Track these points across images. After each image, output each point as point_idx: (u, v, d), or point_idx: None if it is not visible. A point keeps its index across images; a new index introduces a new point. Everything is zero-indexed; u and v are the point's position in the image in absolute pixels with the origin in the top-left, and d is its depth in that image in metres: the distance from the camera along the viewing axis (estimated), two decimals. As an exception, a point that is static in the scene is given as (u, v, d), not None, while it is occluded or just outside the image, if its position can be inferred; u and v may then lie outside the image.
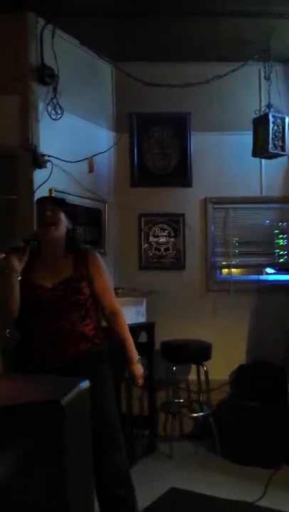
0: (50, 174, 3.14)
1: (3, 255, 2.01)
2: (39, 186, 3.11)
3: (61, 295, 2.12)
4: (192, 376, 3.86)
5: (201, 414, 3.65)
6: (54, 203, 2.23)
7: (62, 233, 2.19)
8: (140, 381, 2.29)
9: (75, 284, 2.14)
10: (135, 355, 2.28)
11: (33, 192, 3.08)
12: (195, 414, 3.75)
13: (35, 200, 2.41)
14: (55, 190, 3.23)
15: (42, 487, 0.85)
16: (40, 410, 0.88)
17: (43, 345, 2.09)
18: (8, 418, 0.82)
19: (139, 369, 2.28)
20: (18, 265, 2.03)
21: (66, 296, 2.12)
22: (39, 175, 3.12)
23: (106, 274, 2.27)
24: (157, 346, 3.61)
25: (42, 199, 2.32)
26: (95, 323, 2.20)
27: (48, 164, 3.14)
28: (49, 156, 3.15)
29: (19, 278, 2.06)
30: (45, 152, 3.14)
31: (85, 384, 0.99)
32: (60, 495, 0.86)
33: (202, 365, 3.60)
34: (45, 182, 3.12)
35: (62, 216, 2.19)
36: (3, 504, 0.78)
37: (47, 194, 3.20)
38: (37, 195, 3.10)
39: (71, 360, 2.09)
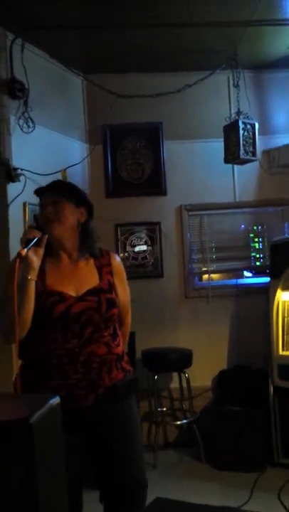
0: (23, 187, 3.12)
1: (25, 250, 1.56)
2: (13, 200, 3.10)
3: (94, 308, 1.67)
4: (174, 384, 3.87)
5: (185, 421, 3.66)
6: (58, 193, 1.75)
7: (70, 229, 1.73)
8: None
9: (107, 294, 1.72)
10: None
11: (6, 206, 3.07)
12: (178, 422, 3.75)
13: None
14: (29, 204, 3.22)
15: (13, 507, 0.84)
16: (8, 430, 0.88)
17: (71, 378, 1.63)
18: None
19: None
20: (35, 261, 1.59)
21: (101, 311, 1.68)
22: (12, 188, 3.11)
23: (126, 281, 1.90)
24: (138, 355, 3.61)
25: (41, 189, 1.81)
26: (122, 342, 1.84)
27: (22, 178, 3.14)
28: (22, 169, 3.14)
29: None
30: (17, 166, 3.14)
31: (55, 400, 0.99)
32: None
33: (183, 373, 3.61)
34: (18, 195, 3.11)
35: (70, 208, 1.74)
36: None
37: (21, 208, 3.19)
38: (11, 209, 3.09)
39: (104, 394, 1.69)
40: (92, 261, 1.79)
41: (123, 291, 1.85)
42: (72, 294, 1.68)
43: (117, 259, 1.86)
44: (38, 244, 1.60)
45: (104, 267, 1.79)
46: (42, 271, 1.69)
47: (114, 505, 1.83)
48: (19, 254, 1.56)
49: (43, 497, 0.88)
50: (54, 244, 1.73)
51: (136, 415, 1.86)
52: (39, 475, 0.88)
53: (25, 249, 1.57)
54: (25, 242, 1.59)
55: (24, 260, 1.57)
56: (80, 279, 1.72)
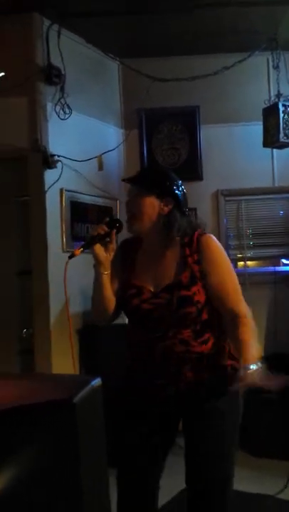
0: (60, 174, 3.16)
1: (80, 249, 1.62)
2: (50, 186, 3.13)
3: (164, 306, 1.60)
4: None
5: (220, 408, 3.64)
6: (139, 185, 1.69)
7: (149, 223, 1.64)
8: (241, 385, 1.54)
9: (183, 291, 1.60)
10: (248, 358, 1.55)
11: (44, 192, 3.11)
12: (214, 408, 3.74)
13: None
14: (66, 190, 3.25)
15: (56, 487, 0.86)
16: (52, 409, 0.89)
17: (151, 366, 1.64)
18: (20, 418, 0.84)
19: (246, 375, 1.53)
20: (104, 256, 1.63)
21: (170, 309, 1.59)
22: (50, 175, 3.14)
23: (226, 265, 1.68)
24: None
25: (124, 180, 1.79)
26: (219, 336, 1.67)
27: (58, 164, 3.16)
28: (59, 155, 3.17)
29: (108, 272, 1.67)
30: (54, 152, 3.16)
31: (97, 382, 1.00)
32: (75, 495, 0.87)
33: (219, 359, 3.59)
34: (55, 182, 3.14)
35: (151, 201, 1.64)
36: (17, 505, 0.79)
37: (58, 194, 3.22)
38: (48, 195, 3.13)
39: (187, 389, 1.63)
40: (178, 250, 1.66)
41: (216, 272, 1.64)
42: (151, 288, 1.65)
43: (205, 243, 1.65)
44: (105, 239, 1.63)
45: (190, 256, 1.64)
46: (132, 262, 1.72)
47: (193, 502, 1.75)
48: (72, 254, 1.62)
49: (85, 478, 0.90)
50: (141, 238, 1.73)
51: (224, 421, 1.69)
52: (82, 455, 0.90)
53: (81, 249, 1.62)
54: (90, 238, 1.64)
55: (93, 255, 1.65)
56: (161, 273, 1.66)
